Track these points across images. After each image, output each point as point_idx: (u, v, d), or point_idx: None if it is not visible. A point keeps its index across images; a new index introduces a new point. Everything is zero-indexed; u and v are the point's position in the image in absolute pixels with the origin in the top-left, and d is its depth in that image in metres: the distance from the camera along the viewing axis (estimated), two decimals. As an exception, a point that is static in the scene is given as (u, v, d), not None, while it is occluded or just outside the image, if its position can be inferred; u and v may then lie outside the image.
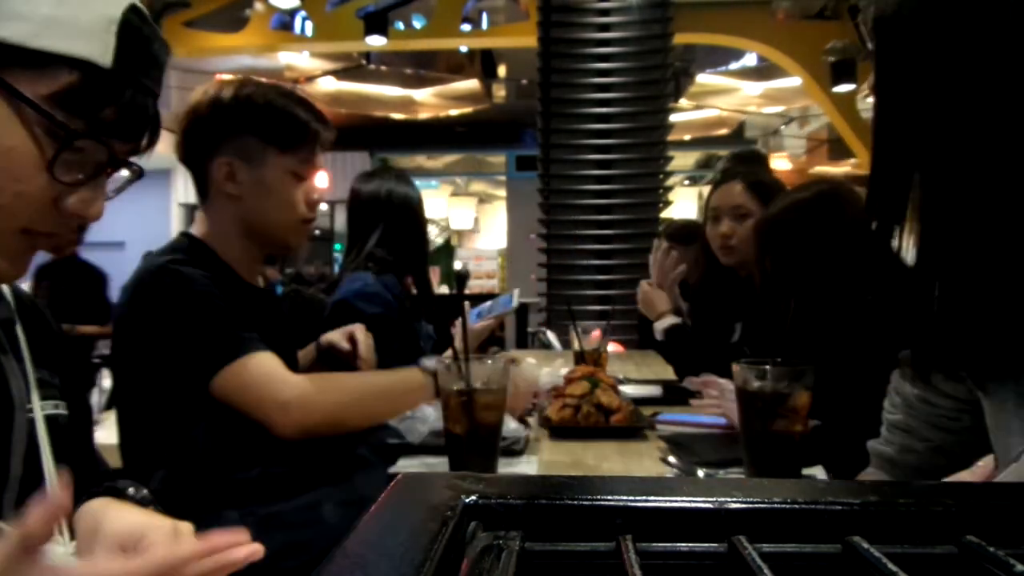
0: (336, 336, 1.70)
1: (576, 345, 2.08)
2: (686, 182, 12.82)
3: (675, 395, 2.03)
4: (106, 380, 4.41)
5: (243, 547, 0.66)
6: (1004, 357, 0.67)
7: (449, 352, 1.93)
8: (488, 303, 2.31)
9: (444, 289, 10.73)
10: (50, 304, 1.00)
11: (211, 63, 8.99)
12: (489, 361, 1.22)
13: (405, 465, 1.43)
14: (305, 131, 1.39)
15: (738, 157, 3.02)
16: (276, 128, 1.37)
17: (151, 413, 1.42)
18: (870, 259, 0.83)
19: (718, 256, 2.17)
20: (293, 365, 1.70)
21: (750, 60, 8.47)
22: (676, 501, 0.39)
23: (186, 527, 0.72)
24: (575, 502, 0.39)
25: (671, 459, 1.35)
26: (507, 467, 1.34)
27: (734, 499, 0.39)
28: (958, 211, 0.67)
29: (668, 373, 2.37)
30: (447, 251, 13.05)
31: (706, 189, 12.20)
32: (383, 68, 8.86)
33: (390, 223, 2.21)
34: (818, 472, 1.27)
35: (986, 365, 0.69)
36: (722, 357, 1.42)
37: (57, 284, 5.46)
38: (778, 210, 1.62)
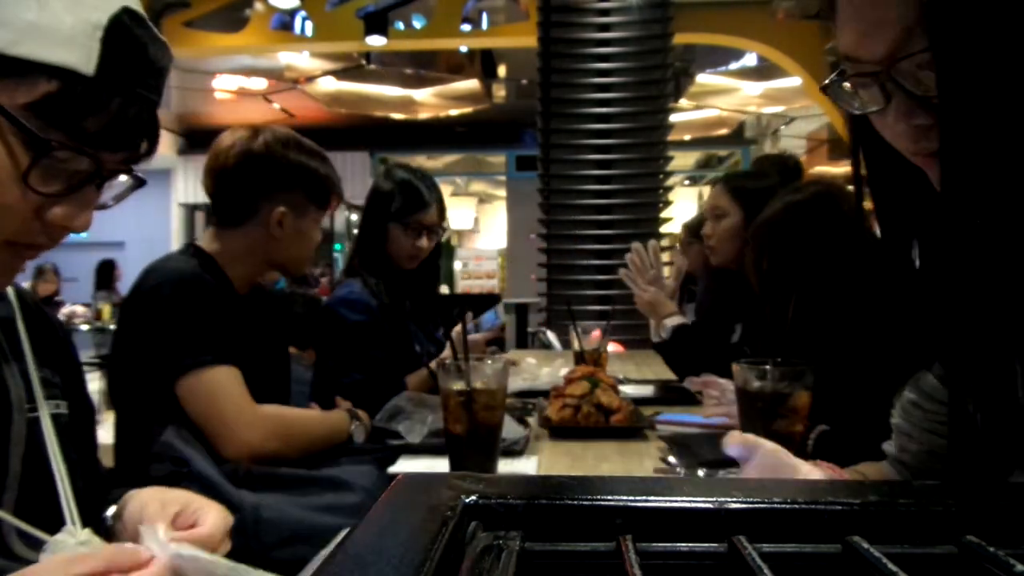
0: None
1: (576, 345, 2.08)
2: (686, 182, 12.82)
3: (675, 395, 2.03)
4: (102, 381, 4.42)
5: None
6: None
7: (448, 352, 1.94)
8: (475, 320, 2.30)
9: (444, 289, 10.73)
10: None
11: (211, 63, 8.99)
12: (489, 361, 1.22)
13: (405, 465, 1.43)
14: (332, 191, 1.65)
15: (769, 160, 3.01)
16: (319, 189, 1.62)
17: (134, 412, 1.47)
18: (889, 272, 0.84)
19: (708, 254, 2.20)
20: (283, 363, 1.72)
21: (750, 60, 8.47)
22: (676, 501, 0.39)
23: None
24: (575, 502, 0.39)
25: (671, 459, 1.35)
26: (507, 467, 1.34)
27: (734, 499, 0.39)
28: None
29: (668, 373, 2.37)
30: (447, 251, 13.06)
31: (706, 189, 12.21)
32: (383, 68, 8.85)
33: (364, 223, 2.19)
34: (818, 472, 1.27)
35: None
36: (722, 357, 1.42)
37: None
38: (773, 212, 1.62)
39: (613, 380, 1.75)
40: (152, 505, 0.83)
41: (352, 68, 8.72)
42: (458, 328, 1.73)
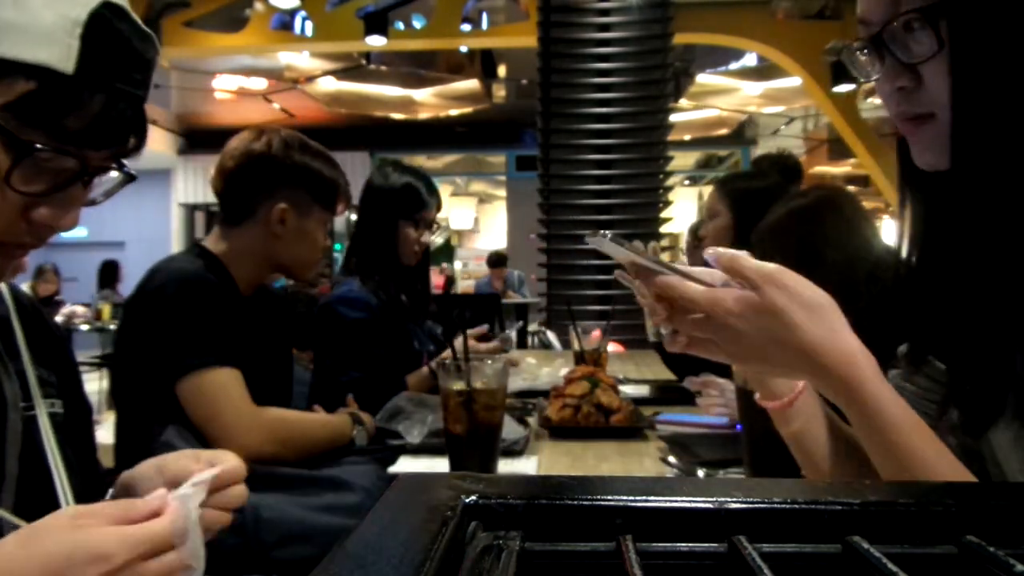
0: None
1: (576, 345, 2.08)
2: (686, 182, 12.82)
3: (675, 395, 2.03)
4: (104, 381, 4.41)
5: None
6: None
7: (448, 352, 1.95)
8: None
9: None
10: None
11: (211, 63, 9.00)
12: (489, 361, 1.22)
13: (405, 465, 1.43)
14: (339, 194, 1.65)
15: (768, 159, 3.00)
16: (324, 189, 1.61)
17: (135, 412, 1.47)
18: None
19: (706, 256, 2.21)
20: (286, 363, 1.72)
21: (750, 60, 8.47)
22: (676, 501, 0.39)
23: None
24: (575, 502, 0.39)
25: (671, 459, 1.35)
26: (507, 467, 1.34)
27: (734, 499, 0.39)
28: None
29: (669, 373, 2.37)
30: (447, 251, 13.06)
31: (706, 189, 12.21)
32: (383, 68, 8.86)
33: (361, 222, 2.19)
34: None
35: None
36: None
37: None
38: (776, 216, 1.62)
39: (613, 380, 1.75)
40: (168, 462, 0.80)
41: (352, 68, 8.73)
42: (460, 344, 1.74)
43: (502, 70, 9.40)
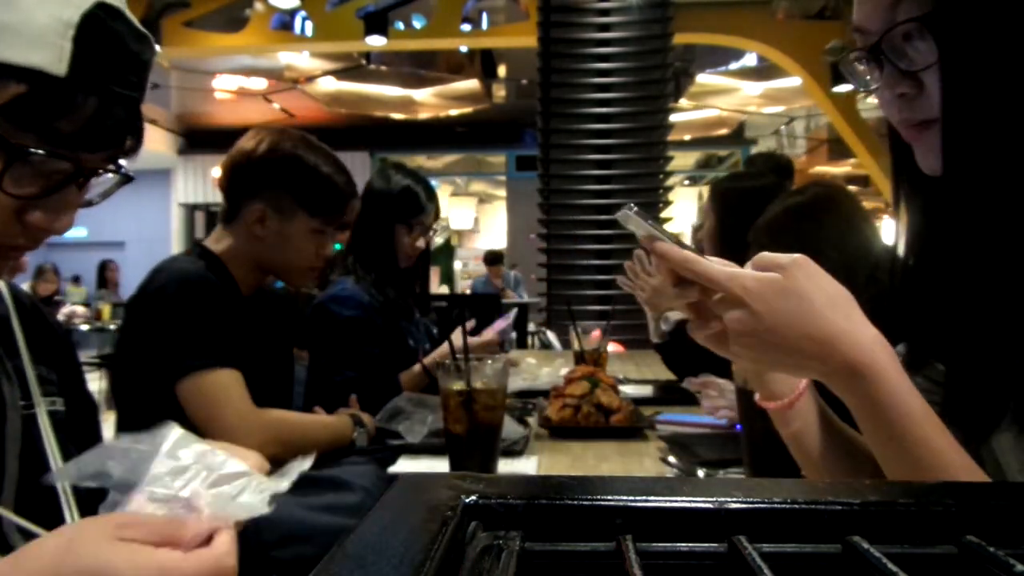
0: None
1: (576, 345, 2.08)
2: (686, 182, 12.83)
3: (675, 395, 2.03)
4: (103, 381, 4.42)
5: None
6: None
7: (444, 347, 1.95)
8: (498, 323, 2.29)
9: (444, 289, 10.73)
10: None
11: (211, 63, 9.00)
12: (489, 361, 1.22)
13: (405, 465, 1.43)
14: (336, 203, 1.58)
15: (761, 157, 3.00)
16: (311, 193, 1.54)
17: (135, 412, 1.47)
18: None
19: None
20: (287, 364, 1.72)
21: (750, 60, 8.48)
22: (676, 501, 0.39)
23: None
24: (575, 502, 0.39)
25: (671, 459, 1.35)
26: (507, 467, 1.34)
27: (734, 499, 0.39)
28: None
29: (669, 373, 2.37)
30: (447, 251, 13.06)
31: (706, 189, 12.21)
32: (383, 68, 8.86)
33: (358, 223, 2.19)
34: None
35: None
36: (722, 357, 1.42)
37: None
38: (773, 214, 1.62)
39: (613, 380, 1.75)
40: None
41: (352, 68, 8.73)
42: (457, 333, 1.73)
43: (502, 70, 9.40)
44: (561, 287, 4.13)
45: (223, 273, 1.53)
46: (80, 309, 7.19)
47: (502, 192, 12.62)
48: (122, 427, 1.50)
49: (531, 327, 6.16)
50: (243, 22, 7.15)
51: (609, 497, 0.39)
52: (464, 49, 8.48)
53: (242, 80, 9.56)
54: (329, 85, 9.30)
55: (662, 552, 0.37)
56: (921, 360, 0.78)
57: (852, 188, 10.80)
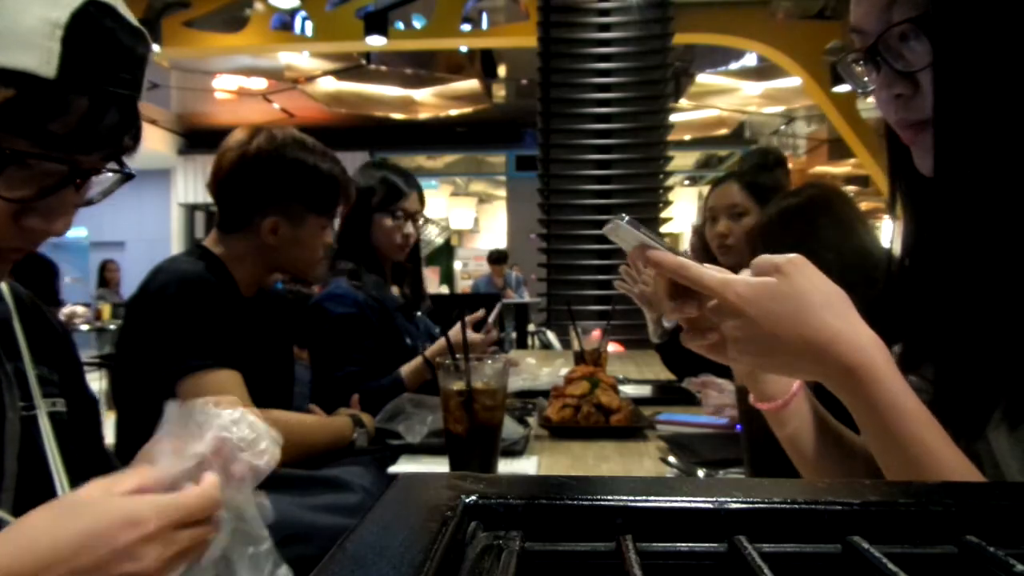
0: None
1: (576, 345, 2.08)
2: (686, 182, 12.83)
3: (675, 395, 2.03)
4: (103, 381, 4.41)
5: None
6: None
7: (441, 342, 1.96)
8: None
9: (444, 289, 10.73)
10: None
11: (211, 63, 9.00)
12: (489, 361, 1.22)
13: (405, 465, 1.43)
14: (338, 195, 1.62)
15: (753, 155, 2.95)
16: (318, 196, 1.58)
17: (135, 412, 1.47)
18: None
19: (717, 256, 2.15)
20: (288, 364, 1.72)
21: (750, 60, 8.47)
22: (676, 501, 0.39)
23: None
24: (575, 502, 0.39)
25: (671, 459, 1.35)
26: (507, 467, 1.34)
27: (734, 499, 0.39)
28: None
29: (669, 373, 2.37)
30: (447, 251, 13.06)
31: (706, 189, 12.21)
32: (383, 68, 8.86)
33: (346, 219, 2.19)
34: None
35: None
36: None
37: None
38: (768, 215, 1.62)
39: (613, 380, 1.75)
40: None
41: (352, 68, 8.73)
42: (456, 329, 1.73)
43: (502, 70, 9.40)
44: (561, 287, 4.13)
45: (223, 274, 1.53)
46: (80, 309, 7.19)
47: (502, 192, 12.62)
48: (122, 427, 1.50)
49: (531, 327, 6.16)
50: (243, 22, 7.14)
51: (609, 497, 0.39)
52: (464, 49, 8.48)
53: (242, 80, 9.56)
54: (329, 85, 9.30)
55: (662, 552, 0.37)
56: (916, 360, 0.78)
57: (852, 188, 10.81)
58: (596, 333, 2.15)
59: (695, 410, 1.78)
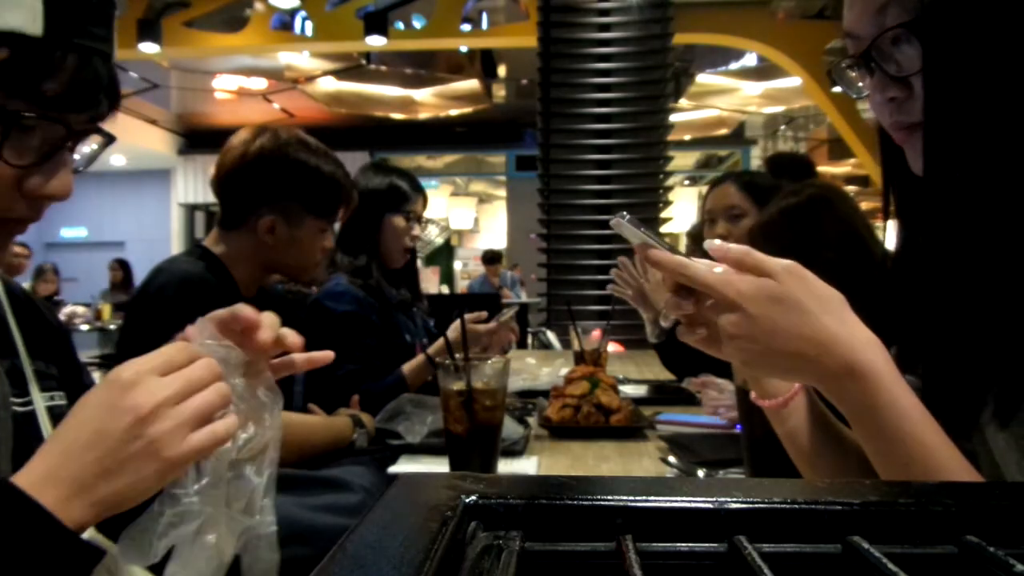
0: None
1: (576, 345, 2.08)
2: (686, 182, 12.83)
3: (675, 395, 2.03)
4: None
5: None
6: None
7: (440, 342, 1.96)
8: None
9: (444, 289, 10.73)
10: None
11: (211, 63, 8.99)
12: (489, 361, 1.22)
13: (405, 465, 1.43)
14: (339, 199, 1.62)
15: (784, 158, 2.91)
16: (318, 198, 1.58)
17: None
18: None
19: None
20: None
21: (750, 60, 8.47)
22: (676, 501, 0.39)
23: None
24: (575, 502, 0.39)
25: (671, 459, 1.35)
26: (507, 467, 1.35)
27: (734, 499, 0.39)
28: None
29: (669, 373, 2.37)
30: (447, 251, 13.06)
31: (706, 189, 12.21)
32: (383, 68, 8.86)
33: (348, 221, 2.19)
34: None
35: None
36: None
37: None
38: (769, 215, 1.61)
39: (613, 380, 1.75)
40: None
41: (352, 68, 8.73)
42: (456, 325, 1.73)
43: (502, 70, 9.40)
44: (561, 287, 4.13)
45: (223, 274, 1.53)
46: (80, 309, 7.19)
47: (502, 192, 12.61)
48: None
49: (531, 327, 6.15)
50: (243, 22, 7.14)
51: (609, 497, 0.39)
52: (464, 49, 8.47)
53: (242, 80, 9.55)
54: (329, 85, 9.30)
55: (662, 552, 0.37)
56: (912, 360, 0.78)
57: (852, 188, 10.81)
58: (596, 333, 2.15)
59: (695, 410, 1.78)
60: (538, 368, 2.31)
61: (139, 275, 1.75)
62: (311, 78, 9.04)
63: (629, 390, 2.02)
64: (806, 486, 0.42)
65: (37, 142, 0.71)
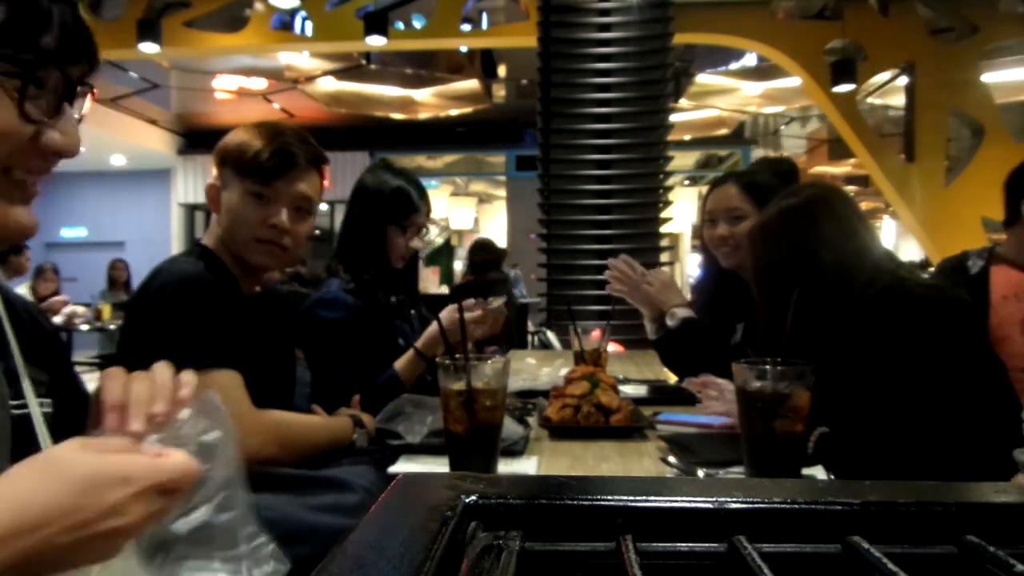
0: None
1: (576, 345, 2.08)
2: (686, 182, 12.83)
3: (675, 395, 2.02)
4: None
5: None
6: None
7: (431, 330, 1.95)
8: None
9: (444, 289, 10.72)
10: None
11: (211, 63, 9.00)
12: (489, 361, 1.22)
13: (405, 465, 1.43)
14: (258, 159, 1.51)
15: (767, 162, 2.91)
16: (237, 156, 1.53)
17: None
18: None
19: (719, 259, 2.14)
20: (289, 364, 1.72)
21: (750, 60, 8.47)
22: (676, 501, 0.39)
23: None
24: (575, 502, 0.39)
25: (671, 459, 1.35)
26: (507, 467, 1.34)
27: (734, 499, 0.39)
28: None
29: (669, 373, 2.37)
30: (447, 251, 13.06)
31: (706, 189, 12.20)
32: (383, 68, 8.86)
33: (349, 222, 2.18)
34: (818, 472, 1.27)
35: None
36: (722, 357, 1.41)
37: None
38: (768, 215, 1.61)
39: (613, 380, 1.74)
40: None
41: (352, 68, 8.72)
42: (446, 313, 1.72)
43: (502, 70, 9.40)
44: (561, 287, 4.12)
45: (223, 273, 1.52)
46: (81, 309, 7.18)
47: (502, 192, 12.61)
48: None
49: (531, 327, 6.15)
50: (243, 22, 7.14)
51: (609, 497, 0.39)
52: (464, 49, 8.47)
53: (242, 80, 9.56)
54: (329, 85, 9.30)
55: (662, 552, 0.37)
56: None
57: (852, 188, 10.79)
58: (596, 333, 2.14)
59: (695, 410, 1.78)
60: (538, 368, 2.30)
61: (139, 275, 1.75)
62: (311, 78, 9.04)
63: (629, 390, 2.02)
64: (806, 486, 0.42)
65: (46, 97, 0.74)
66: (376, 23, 6.25)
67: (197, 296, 1.42)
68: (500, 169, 12.16)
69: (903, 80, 7.12)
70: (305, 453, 1.48)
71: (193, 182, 11.99)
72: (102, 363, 5.68)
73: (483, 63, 9.00)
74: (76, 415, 0.95)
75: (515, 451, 1.43)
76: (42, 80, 0.73)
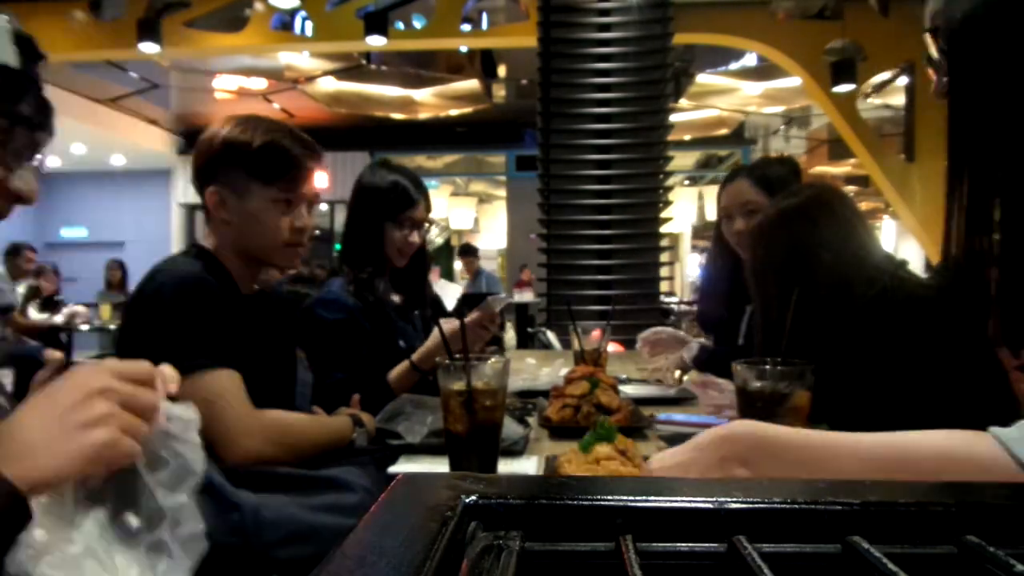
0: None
1: (576, 345, 2.08)
2: (686, 182, 12.82)
3: (675, 395, 2.02)
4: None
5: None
6: None
7: (430, 342, 1.94)
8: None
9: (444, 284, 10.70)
10: None
11: (211, 63, 8.99)
12: (489, 361, 1.22)
13: (405, 465, 1.43)
14: (287, 164, 1.53)
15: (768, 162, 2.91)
16: (258, 162, 1.51)
17: None
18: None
19: (739, 252, 2.13)
20: (289, 364, 1.71)
21: (750, 60, 8.47)
22: (676, 501, 0.39)
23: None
24: (575, 502, 0.39)
25: (671, 459, 1.35)
26: (507, 467, 1.34)
27: (734, 499, 0.39)
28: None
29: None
30: (447, 251, 13.05)
31: (706, 189, 12.18)
32: (383, 68, 8.85)
33: (349, 221, 2.17)
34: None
35: None
36: (725, 359, 1.41)
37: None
38: (767, 215, 1.61)
39: (613, 380, 1.75)
40: None
41: (352, 68, 8.72)
42: (447, 324, 1.72)
43: (502, 70, 9.39)
44: (561, 287, 4.12)
45: (221, 272, 1.52)
46: (81, 309, 7.19)
47: (502, 192, 12.60)
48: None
49: (531, 327, 6.15)
50: (243, 22, 7.13)
51: (609, 497, 0.39)
52: (464, 49, 8.47)
53: (242, 80, 9.55)
54: (329, 85, 9.29)
55: (662, 552, 0.37)
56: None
57: (852, 188, 10.79)
58: (596, 333, 2.14)
59: (695, 410, 1.78)
60: (538, 368, 2.30)
61: (138, 275, 1.74)
62: (311, 78, 9.04)
63: (629, 390, 2.02)
64: (806, 486, 0.42)
65: (17, 150, 0.89)
66: (376, 23, 6.24)
67: (196, 296, 1.42)
68: (500, 169, 12.15)
69: (903, 80, 7.12)
70: (305, 453, 1.48)
71: (193, 182, 11.97)
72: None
73: (483, 63, 8.99)
74: None
75: (515, 451, 1.44)
76: (13, 136, 0.88)
